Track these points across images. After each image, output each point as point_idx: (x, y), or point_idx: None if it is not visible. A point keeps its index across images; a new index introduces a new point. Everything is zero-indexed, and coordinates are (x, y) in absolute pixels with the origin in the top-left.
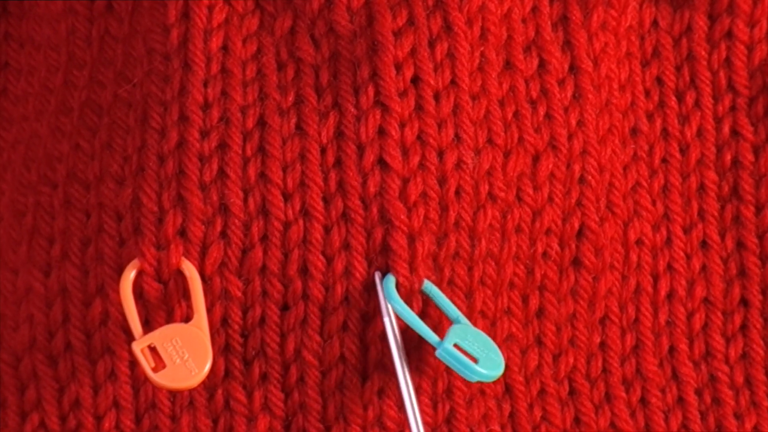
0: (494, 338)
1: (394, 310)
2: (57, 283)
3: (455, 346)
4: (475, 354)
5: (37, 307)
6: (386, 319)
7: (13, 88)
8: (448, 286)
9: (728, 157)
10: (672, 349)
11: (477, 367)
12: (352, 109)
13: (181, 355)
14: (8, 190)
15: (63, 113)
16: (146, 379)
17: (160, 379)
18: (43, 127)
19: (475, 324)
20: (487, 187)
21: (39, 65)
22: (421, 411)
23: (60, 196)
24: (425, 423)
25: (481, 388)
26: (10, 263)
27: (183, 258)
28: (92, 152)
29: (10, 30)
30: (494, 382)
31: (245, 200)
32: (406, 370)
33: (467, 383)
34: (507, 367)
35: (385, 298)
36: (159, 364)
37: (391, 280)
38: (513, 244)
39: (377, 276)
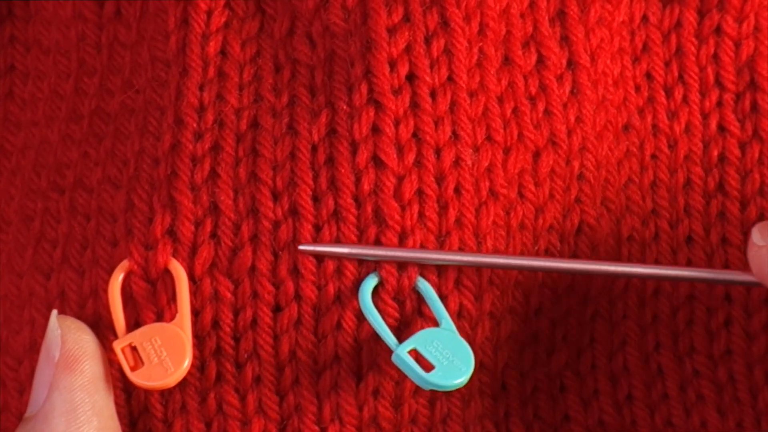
0: (497, 338)
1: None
2: (56, 287)
3: (413, 351)
4: (435, 362)
5: (38, 310)
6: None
7: (20, 91)
8: (456, 287)
9: (715, 153)
10: (658, 345)
11: (428, 376)
12: (345, 107)
13: (159, 354)
14: (18, 196)
15: (73, 121)
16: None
17: (137, 377)
18: (53, 134)
19: (482, 325)
20: (487, 184)
21: (48, 70)
22: (417, 411)
23: (66, 202)
24: (422, 423)
25: (481, 388)
26: (17, 267)
27: (171, 258)
28: (97, 159)
29: (15, 33)
30: (492, 380)
31: (235, 200)
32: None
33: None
34: (506, 365)
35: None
36: (138, 363)
37: (371, 279)
38: (518, 242)
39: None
